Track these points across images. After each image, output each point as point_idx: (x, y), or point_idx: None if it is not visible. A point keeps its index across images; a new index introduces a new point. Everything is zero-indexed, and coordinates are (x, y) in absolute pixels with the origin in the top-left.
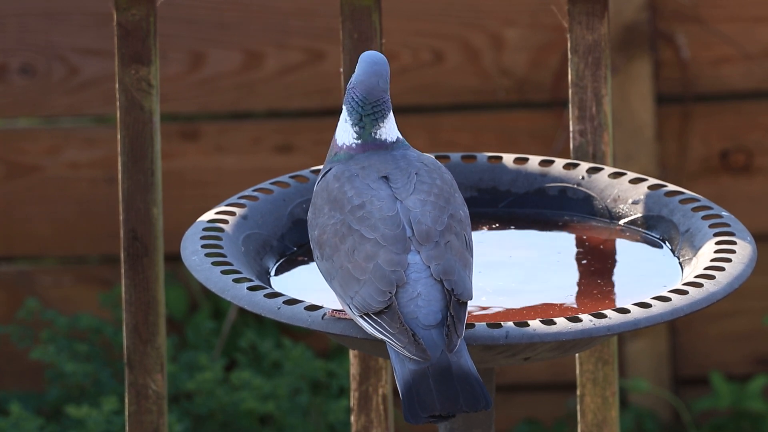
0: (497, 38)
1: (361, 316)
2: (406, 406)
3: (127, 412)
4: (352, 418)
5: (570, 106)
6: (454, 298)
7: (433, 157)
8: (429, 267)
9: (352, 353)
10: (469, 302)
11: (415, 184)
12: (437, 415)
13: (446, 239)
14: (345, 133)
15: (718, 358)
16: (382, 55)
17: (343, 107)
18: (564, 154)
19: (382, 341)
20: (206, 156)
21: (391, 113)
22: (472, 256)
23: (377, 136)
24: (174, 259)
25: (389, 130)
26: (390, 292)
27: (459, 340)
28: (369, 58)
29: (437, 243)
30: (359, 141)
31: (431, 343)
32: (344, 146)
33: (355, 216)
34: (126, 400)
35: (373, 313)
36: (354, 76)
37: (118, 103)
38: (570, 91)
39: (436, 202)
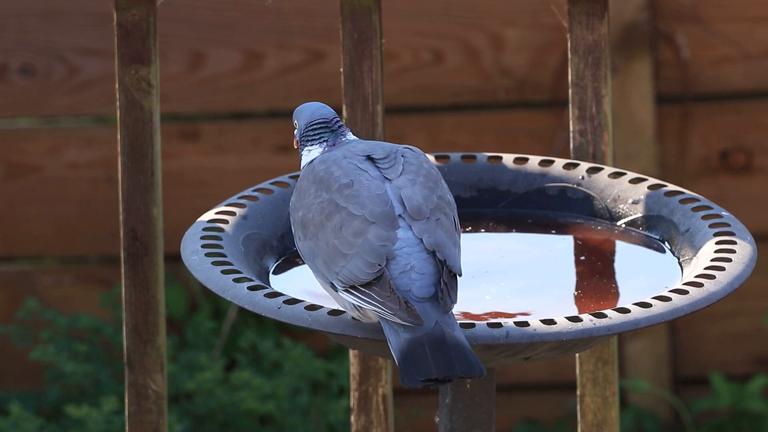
0: (497, 38)
1: (346, 290)
2: (402, 371)
3: (127, 412)
4: (352, 418)
5: (570, 106)
6: (447, 268)
7: (420, 150)
8: (421, 240)
9: (352, 353)
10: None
11: (404, 165)
12: (434, 378)
13: (437, 217)
14: (312, 152)
15: (718, 358)
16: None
17: (305, 147)
18: (564, 154)
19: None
20: (206, 156)
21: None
22: (460, 238)
23: (344, 138)
24: (174, 259)
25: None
26: (380, 264)
27: (453, 305)
28: (309, 106)
29: (428, 219)
30: (328, 142)
31: (425, 315)
32: (316, 158)
33: (343, 194)
34: (126, 400)
35: (360, 285)
36: (303, 122)
37: (118, 103)
38: (570, 91)
39: (426, 183)
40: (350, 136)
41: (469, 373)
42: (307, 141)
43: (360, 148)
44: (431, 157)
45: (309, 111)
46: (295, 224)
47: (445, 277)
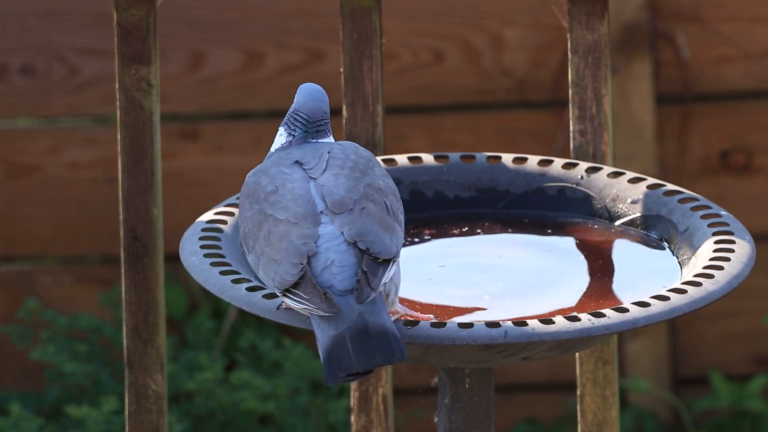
0: (497, 38)
1: (283, 295)
2: (325, 370)
3: (127, 412)
4: (352, 418)
5: (570, 106)
6: (370, 256)
7: (355, 144)
8: (342, 233)
9: None
10: (396, 260)
11: (328, 161)
12: (354, 372)
13: (362, 206)
14: (279, 139)
15: (718, 358)
16: (321, 87)
17: (281, 128)
18: (564, 154)
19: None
20: (206, 156)
21: (332, 137)
22: (398, 222)
23: (310, 141)
24: (174, 259)
25: (330, 140)
26: (301, 263)
27: (372, 293)
28: (309, 87)
29: (351, 210)
30: (294, 138)
31: (348, 308)
32: (273, 150)
33: (269, 202)
34: (126, 400)
35: (291, 287)
36: (294, 103)
37: (118, 103)
38: (570, 91)
39: (351, 174)
40: (323, 139)
41: (390, 359)
42: (285, 124)
43: (295, 153)
44: (428, 157)
45: (302, 97)
46: (241, 240)
47: (366, 265)
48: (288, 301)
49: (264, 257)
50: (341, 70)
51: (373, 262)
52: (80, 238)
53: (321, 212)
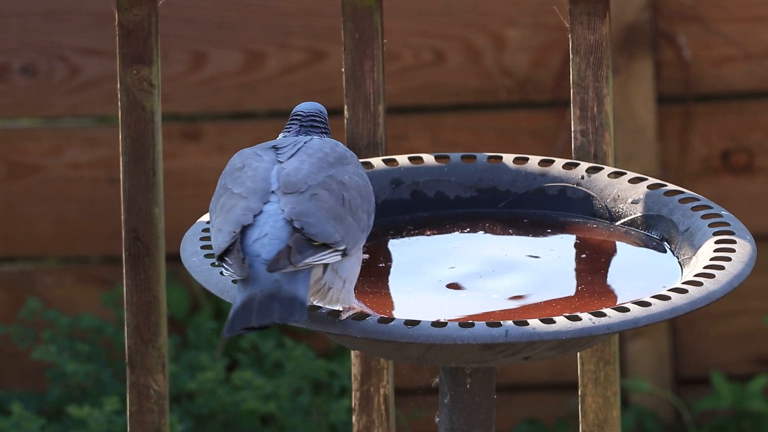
0: (498, 38)
1: (219, 264)
2: (226, 324)
3: (128, 412)
4: (354, 418)
5: (571, 106)
6: (303, 235)
7: (339, 143)
8: (284, 211)
9: (353, 353)
10: (344, 250)
11: (300, 149)
12: (250, 326)
13: (314, 192)
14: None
15: (719, 358)
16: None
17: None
18: (566, 154)
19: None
20: (208, 156)
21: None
22: (354, 217)
23: (305, 135)
24: (175, 259)
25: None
26: (234, 232)
27: (288, 266)
28: (310, 102)
29: (302, 193)
30: (290, 133)
31: (266, 275)
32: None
33: (233, 177)
34: (127, 400)
35: (222, 255)
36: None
37: (119, 103)
38: (571, 91)
39: (316, 163)
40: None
41: (287, 318)
42: (285, 129)
43: (278, 141)
44: (429, 157)
45: (308, 107)
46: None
47: (294, 242)
48: (223, 269)
49: (213, 228)
50: (342, 70)
51: (305, 243)
52: (82, 238)
53: (272, 191)
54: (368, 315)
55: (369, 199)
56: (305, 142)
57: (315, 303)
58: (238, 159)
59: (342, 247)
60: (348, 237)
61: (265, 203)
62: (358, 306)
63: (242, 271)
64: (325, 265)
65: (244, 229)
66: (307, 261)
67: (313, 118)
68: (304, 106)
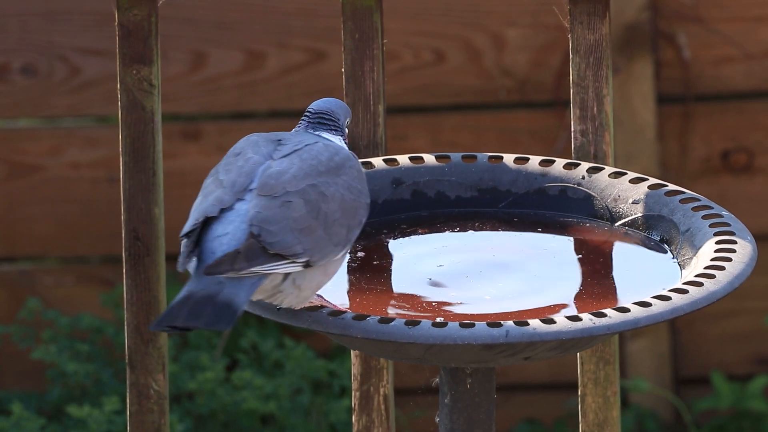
0: (498, 38)
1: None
2: (159, 316)
3: (128, 412)
4: (354, 418)
5: (571, 106)
6: (257, 242)
7: (353, 157)
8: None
9: (353, 353)
10: (302, 260)
11: (297, 150)
12: (174, 326)
13: (288, 199)
14: None
15: (719, 358)
16: (340, 101)
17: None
18: (566, 154)
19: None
20: (208, 156)
21: (341, 138)
22: (328, 233)
23: (314, 133)
24: (175, 259)
25: (333, 138)
26: (198, 221)
27: (229, 270)
28: (327, 98)
29: (274, 197)
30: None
31: (212, 277)
32: None
33: (227, 161)
34: (127, 400)
35: (183, 237)
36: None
37: (119, 103)
38: (571, 91)
39: (306, 170)
40: (325, 133)
41: (212, 326)
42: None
43: (285, 134)
44: (429, 157)
45: (320, 105)
46: None
47: (245, 247)
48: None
49: (194, 206)
50: (342, 70)
51: (259, 250)
52: (82, 238)
53: (251, 189)
54: (323, 307)
55: (354, 213)
56: (308, 144)
57: (269, 301)
58: (241, 144)
59: (303, 260)
60: (314, 250)
61: (238, 200)
62: (317, 300)
63: (183, 263)
64: (287, 274)
65: (209, 221)
66: (255, 269)
67: (321, 115)
68: (316, 103)
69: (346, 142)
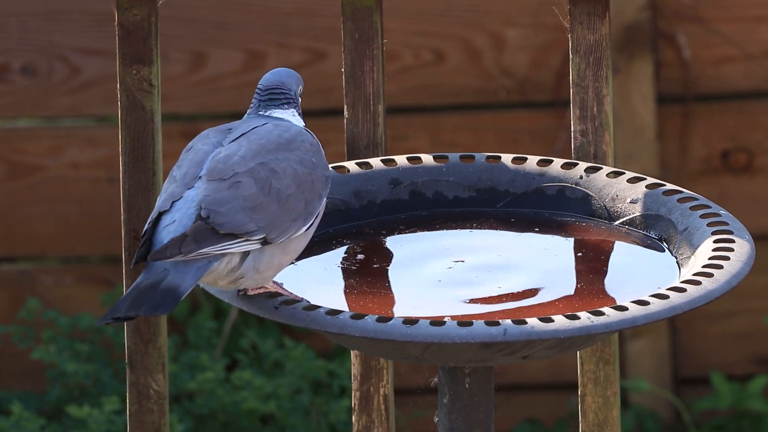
0: (498, 38)
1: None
2: (107, 312)
3: (128, 412)
4: (354, 418)
5: (571, 106)
6: (206, 224)
7: (305, 132)
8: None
9: (353, 353)
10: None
11: (244, 134)
12: (118, 317)
13: (237, 179)
14: None
15: (719, 358)
16: (292, 70)
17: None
18: (565, 154)
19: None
20: None
21: (294, 110)
22: (284, 207)
23: (265, 113)
24: None
25: (284, 115)
26: (152, 218)
27: (177, 253)
28: (277, 69)
29: (222, 180)
30: (250, 110)
31: (161, 264)
32: None
33: (180, 159)
34: (127, 400)
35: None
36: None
37: (119, 103)
38: (571, 91)
39: (254, 150)
40: (276, 111)
41: (153, 312)
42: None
43: (236, 123)
44: (427, 157)
45: (268, 79)
46: None
47: (193, 231)
48: None
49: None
50: (342, 70)
51: (209, 232)
52: (81, 238)
53: (200, 176)
54: (280, 294)
55: (311, 187)
56: (255, 127)
57: (233, 287)
58: (193, 141)
59: (259, 237)
60: (271, 226)
61: (189, 189)
62: (273, 287)
63: (135, 258)
64: (245, 253)
65: (162, 215)
66: (205, 251)
67: (270, 91)
68: (265, 79)
69: (299, 112)
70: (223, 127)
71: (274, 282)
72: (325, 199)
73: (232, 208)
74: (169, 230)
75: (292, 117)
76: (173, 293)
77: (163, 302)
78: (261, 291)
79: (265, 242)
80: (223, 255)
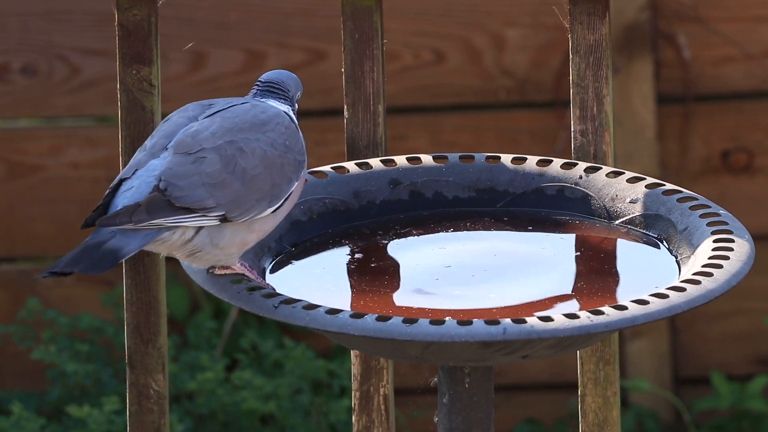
0: (498, 38)
1: None
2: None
3: (128, 412)
4: (354, 418)
5: (571, 106)
6: (163, 195)
7: (283, 115)
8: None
9: (353, 353)
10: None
11: (220, 110)
12: (55, 271)
13: (203, 155)
14: None
15: (719, 358)
16: (292, 73)
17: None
18: (565, 155)
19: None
20: None
21: (289, 108)
22: (249, 187)
23: (260, 99)
24: (175, 259)
25: (275, 103)
26: (113, 184)
27: (127, 221)
28: (279, 70)
29: (188, 154)
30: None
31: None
32: None
33: (156, 129)
34: (127, 400)
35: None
36: None
37: (119, 103)
38: (571, 92)
39: (226, 127)
40: (270, 101)
41: (90, 270)
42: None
43: (219, 100)
44: (427, 157)
45: (269, 75)
46: None
47: (147, 202)
48: None
49: None
50: (342, 70)
51: (163, 203)
52: (81, 238)
53: (166, 148)
54: (250, 279)
55: (280, 170)
56: (234, 105)
57: (189, 264)
58: (173, 113)
59: (217, 213)
60: (231, 204)
61: (154, 158)
62: (239, 268)
63: (85, 220)
64: (199, 228)
65: (123, 182)
66: (157, 222)
67: (270, 84)
68: (267, 74)
69: (294, 115)
70: (205, 102)
71: (243, 264)
72: (296, 183)
73: (192, 183)
74: (125, 196)
75: (281, 105)
76: (114, 254)
77: (102, 262)
78: (228, 272)
79: (225, 219)
80: (177, 227)
